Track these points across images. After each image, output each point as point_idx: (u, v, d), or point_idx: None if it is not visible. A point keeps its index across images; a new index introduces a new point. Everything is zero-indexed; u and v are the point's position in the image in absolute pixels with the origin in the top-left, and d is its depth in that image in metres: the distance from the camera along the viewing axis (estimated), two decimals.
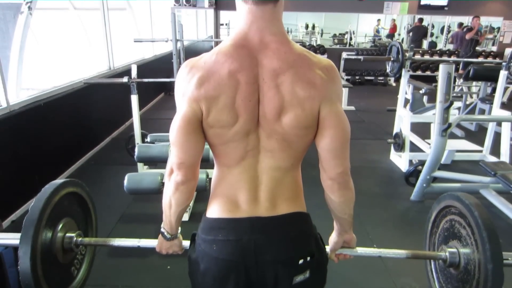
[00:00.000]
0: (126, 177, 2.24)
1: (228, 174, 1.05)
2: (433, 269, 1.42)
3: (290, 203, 1.05)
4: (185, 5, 8.84)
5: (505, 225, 3.03)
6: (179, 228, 1.16)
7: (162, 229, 1.15)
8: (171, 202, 1.05)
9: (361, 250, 1.26)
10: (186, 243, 1.22)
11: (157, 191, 2.23)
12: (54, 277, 1.20)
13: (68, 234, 1.26)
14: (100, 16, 4.87)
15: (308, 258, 1.04)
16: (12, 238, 1.15)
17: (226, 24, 13.70)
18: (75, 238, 1.27)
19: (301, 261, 1.02)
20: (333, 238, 1.22)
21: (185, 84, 0.96)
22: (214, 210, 1.06)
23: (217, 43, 9.87)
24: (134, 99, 3.41)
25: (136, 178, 2.26)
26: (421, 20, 9.89)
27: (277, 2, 0.96)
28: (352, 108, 6.95)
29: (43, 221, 1.12)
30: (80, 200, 1.38)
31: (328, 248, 1.22)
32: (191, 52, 9.40)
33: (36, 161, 3.28)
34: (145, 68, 6.61)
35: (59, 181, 1.24)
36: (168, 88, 7.84)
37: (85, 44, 4.46)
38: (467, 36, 8.03)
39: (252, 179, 1.03)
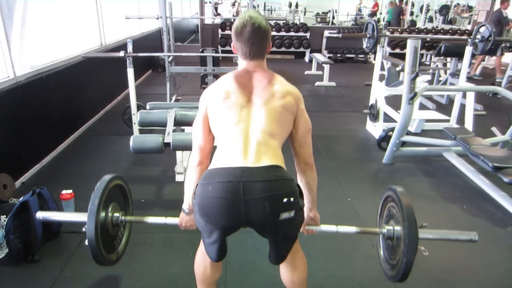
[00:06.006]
0: (131, 138, 2.53)
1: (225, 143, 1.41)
2: (380, 241, 1.84)
3: (272, 159, 1.33)
4: None
5: (463, 183, 3.43)
6: None
7: (183, 207, 1.58)
8: (190, 182, 1.47)
9: (323, 227, 1.67)
10: None
11: (159, 150, 2.55)
12: (107, 243, 1.66)
13: (115, 214, 1.69)
14: None
15: (292, 199, 1.28)
16: (81, 217, 1.61)
17: (210, 2, 13.73)
18: (120, 217, 1.71)
19: (285, 200, 1.26)
20: None
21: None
22: (213, 165, 1.37)
23: (202, 20, 10.09)
24: (130, 72, 3.66)
25: (140, 139, 2.57)
26: (399, 0, 10.23)
27: (264, 59, 1.48)
28: (333, 84, 7.29)
29: (101, 205, 1.56)
30: (122, 189, 1.83)
31: None
32: (177, 29, 9.52)
33: (41, 129, 3.55)
34: (133, 45, 6.75)
35: (108, 176, 1.68)
36: (156, 65, 7.98)
37: (76, 22, 4.64)
38: None
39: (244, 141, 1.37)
